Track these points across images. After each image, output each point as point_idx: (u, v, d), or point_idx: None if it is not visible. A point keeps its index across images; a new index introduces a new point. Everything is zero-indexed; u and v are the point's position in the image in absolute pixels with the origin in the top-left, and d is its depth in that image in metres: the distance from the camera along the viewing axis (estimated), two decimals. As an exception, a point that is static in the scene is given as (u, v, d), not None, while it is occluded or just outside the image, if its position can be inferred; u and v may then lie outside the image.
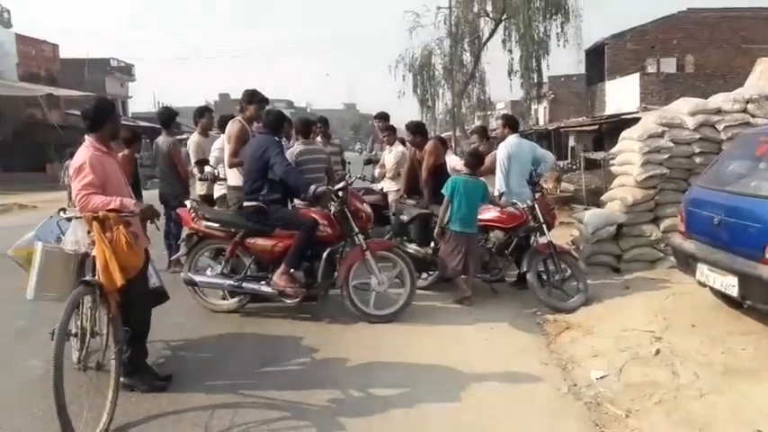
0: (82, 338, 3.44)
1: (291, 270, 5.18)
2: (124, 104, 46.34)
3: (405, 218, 6.40)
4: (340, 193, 5.27)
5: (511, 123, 6.90)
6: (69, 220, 3.86)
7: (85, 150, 3.75)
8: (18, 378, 4.19)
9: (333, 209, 5.28)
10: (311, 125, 6.89)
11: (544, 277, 6.02)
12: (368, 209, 5.51)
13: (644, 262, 6.97)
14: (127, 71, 46.84)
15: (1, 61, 28.82)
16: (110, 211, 3.52)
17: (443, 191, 6.00)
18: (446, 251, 5.94)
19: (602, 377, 4.19)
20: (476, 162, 6.12)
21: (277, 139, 5.25)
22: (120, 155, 7.05)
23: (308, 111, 70.62)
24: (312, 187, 5.08)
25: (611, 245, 7.06)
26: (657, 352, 4.41)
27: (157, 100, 47.33)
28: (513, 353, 4.78)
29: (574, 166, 22.53)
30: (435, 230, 6.02)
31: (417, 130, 6.94)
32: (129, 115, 43.95)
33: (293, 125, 6.92)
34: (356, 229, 5.34)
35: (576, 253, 7.18)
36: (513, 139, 6.67)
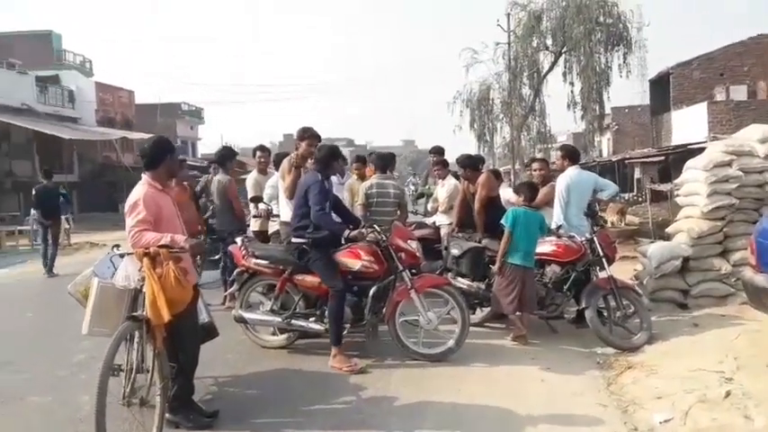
0: (128, 374, 3.47)
1: (340, 343, 5.13)
2: (194, 146, 48.40)
3: (456, 252, 6.27)
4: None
5: (570, 155, 6.72)
6: (122, 256, 3.94)
7: (141, 188, 3.86)
8: (69, 413, 4.25)
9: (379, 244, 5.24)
10: (388, 160, 7.06)
11: (605, 314, 5.75)
12: (411, 246, 5.38)
13: (713, 297, 6.55)
14: (197, 114, 49.02)
15: (81, 108, 30.65)
16: (161, 246, 3.57)
17: (503, 222, 5.82)
18: (500, 286, 5.76)
19: (665, 421, 3.91)
20: (531, 193, 5.96)
21: (320, 177, 5.23)
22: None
23: (368, 148, 71.53)
24: (346, 231, 5.08)
25: (678, 279, 6.69)
26: (728, 394, 4.07)
27: (225, 141, 49.03)
28: (570, 394, 4.54)
29: (640, 199, 21.81)
30: (496, 265, 5.82)
31: (468, 163, 6.86)
32: (199, 156, 45.75)
33: (369, 161, 7.31)
34: (401, 267, 5.25)
35: (640, 288, 6.86)
36: (572, 170, 6.50)
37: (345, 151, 11.44)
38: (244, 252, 5.50)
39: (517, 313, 5.82)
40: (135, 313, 3.58)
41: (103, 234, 19.50)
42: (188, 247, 3.68)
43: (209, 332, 4.55)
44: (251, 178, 7.78)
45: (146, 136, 31.84)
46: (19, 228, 17.48)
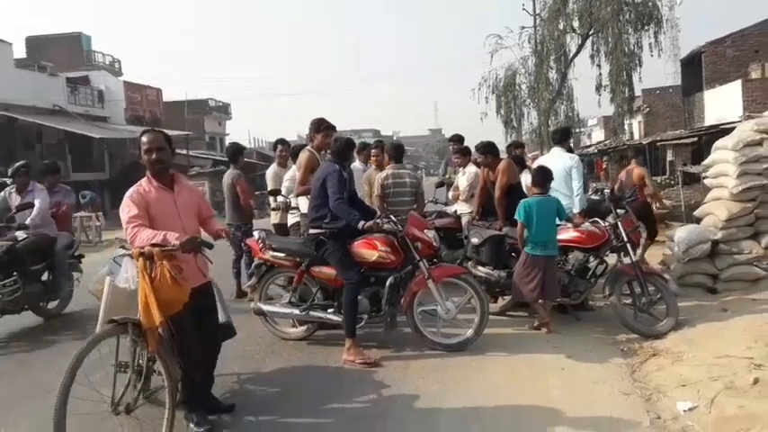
0: (116, 377, 3.38)
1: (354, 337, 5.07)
2: (222, 141, 48.79)
3: (476, 240, 6.18)
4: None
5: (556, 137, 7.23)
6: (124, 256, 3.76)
7: (133, 187, 3.77)
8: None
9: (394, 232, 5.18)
10: (402, 150, 7.06)
11: (629, 300, 5.62)
12: (428, 236, 5.30)
13: (744, 282, 6.37)
14: (224, 110, 49.34)
15: (111, 107, 31.12)
16: (153, 245, 3.44)
17: (516, 216, 5.71)
18: (521, 274, 5.66)
19: (690, 409, 3.81)
20: (543, 178, 5.82)
21: (338, 167, 5.18)
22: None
23: (395, 138, 71.31)
24: (361, 222, 4.99)
25: (707, 264, 6.50)
26: (756, 381, 3.94)
27: (252, 136, 49.37)
28: (592, 383, 4.44)
29: (672, 182, 21.31)
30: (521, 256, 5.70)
31: (487, 150, 6.73)
32: (227, 151, 46.07)
33: (385, 150, 7.27)
34: (417, 257, 5.18)
35: (668, 273, 6.69)
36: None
37: (371, 142, 11.39)
38: (261, 245, 5.50)
39: (540, 301, 5.72)
40: (116, 318, 3.42)
41: (135, 230, 19.81)
42: (179, 244, 3.45)
43: (227, 331, 4.43)
44: (270, 171, 7.81)
45: (174, 133, 32.47)
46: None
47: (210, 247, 3.68)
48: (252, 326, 5.76)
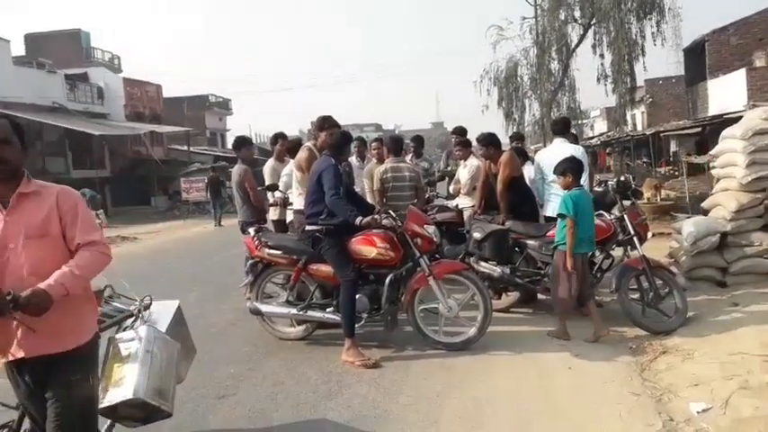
0: None
1: (353, 337, 4.92)
2: (223, 137, 48.67)
3: (478, 235, 6.00)
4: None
5: (557, 128, 6.90)
6: None
7: None
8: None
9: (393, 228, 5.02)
10: (402, 143, 6.92)
11: (636, 296, 5.45)
12: (428, 231, 5.11)
13: (755, 275, 6.19)
14: (224, 105, 49.17)
15: (110, 104, 30.94)
16: None
17: (563, 210, 5.23)
18: (564, 280, 5.17)
19: (703, 410, 3.65)
20: (578, 172, 5.37)
21: (333, 162, 5.01)
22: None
23: (397, 132, 71.07)
24: (359, 218, 4.82)
25: (715, 256, 6.33)
26: (772, 380, 3.79)
27: (254, 132, 49.10)
28: (600, 383, 4.29)
29: (676, 172, 21.12)
30: (568, 263, 5.11)
31: (489, 141, 6.55)
32: (229, 147, 46.04)
33: (384, 144, 7.19)
34: (417, 253, 5.02)
35: (676, 267, 6.53)
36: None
37: (374, 136, 11.29)
38: (257, 242, 5.35)
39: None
40: None
41: (136, 227, 19.73)
42: None
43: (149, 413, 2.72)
44: (268, 166, 7.60)
45: (173, 129, 32.35)
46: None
47: (39, 305, 2.26)
48: (249, 325, 5.62)
